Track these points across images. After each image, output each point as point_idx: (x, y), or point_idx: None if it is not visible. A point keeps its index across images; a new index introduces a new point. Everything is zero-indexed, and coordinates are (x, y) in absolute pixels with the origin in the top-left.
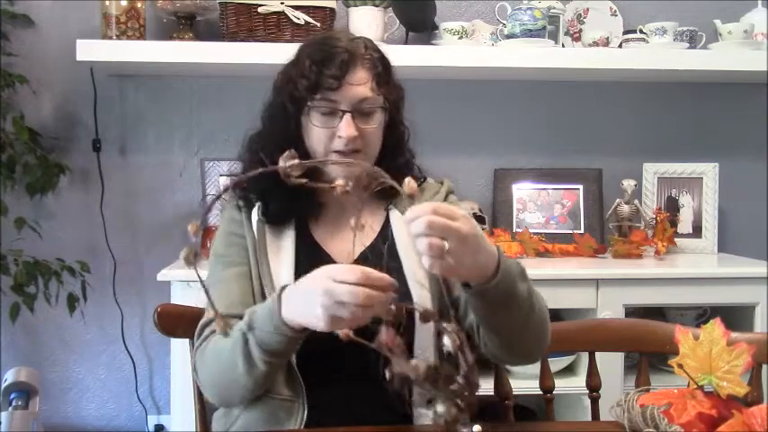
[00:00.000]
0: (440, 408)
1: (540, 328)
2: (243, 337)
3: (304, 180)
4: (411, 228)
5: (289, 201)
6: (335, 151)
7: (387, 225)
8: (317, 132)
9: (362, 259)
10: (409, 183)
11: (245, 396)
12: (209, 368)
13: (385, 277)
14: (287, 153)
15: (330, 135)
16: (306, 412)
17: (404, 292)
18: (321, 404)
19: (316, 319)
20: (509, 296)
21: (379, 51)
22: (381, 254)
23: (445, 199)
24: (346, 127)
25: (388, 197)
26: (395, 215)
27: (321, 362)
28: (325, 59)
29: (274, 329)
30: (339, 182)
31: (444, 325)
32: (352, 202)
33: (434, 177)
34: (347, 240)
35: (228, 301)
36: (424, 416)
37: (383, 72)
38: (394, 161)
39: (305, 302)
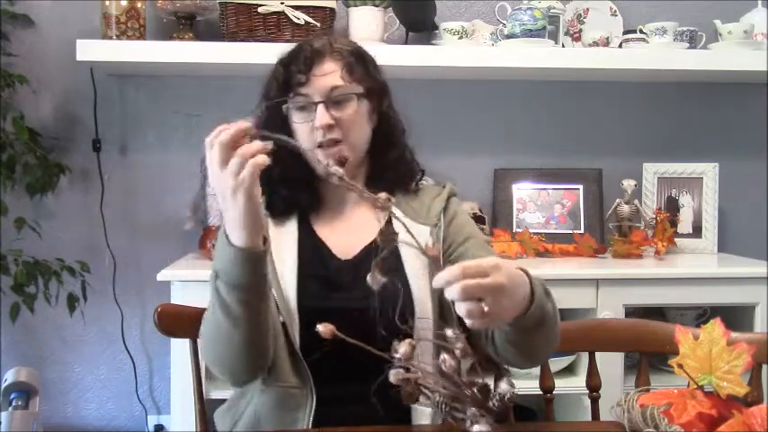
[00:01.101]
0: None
1: (555, 337)
2: (213, 283)
3: (341, 182)
4: (446, 293)
5: (291, 193)
6: (318, 145)
7: (386, 224)
8: (298, 129)
9: (364, 256)
10: (434, 246)
11: (242, 359)
12: (205, 342)
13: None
14: (335, 162)
15: (310, 129)
16: (314, 402)
17: (405, 291)
18: (329, 396)
19: (228, 206)
20: (540, 320)
21: (351, 45)
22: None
23: (447, 202)
24: (320, 116)
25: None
26: (398, 214)
27: (327, 357)
28: (292, 59)
29: (228, 256)
30: (382, 194)
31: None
32: (353, 197)
33: (435, 178)
34: (346, 234)
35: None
36: (421, 414)
37: (356, 62)
38: (385, 156)
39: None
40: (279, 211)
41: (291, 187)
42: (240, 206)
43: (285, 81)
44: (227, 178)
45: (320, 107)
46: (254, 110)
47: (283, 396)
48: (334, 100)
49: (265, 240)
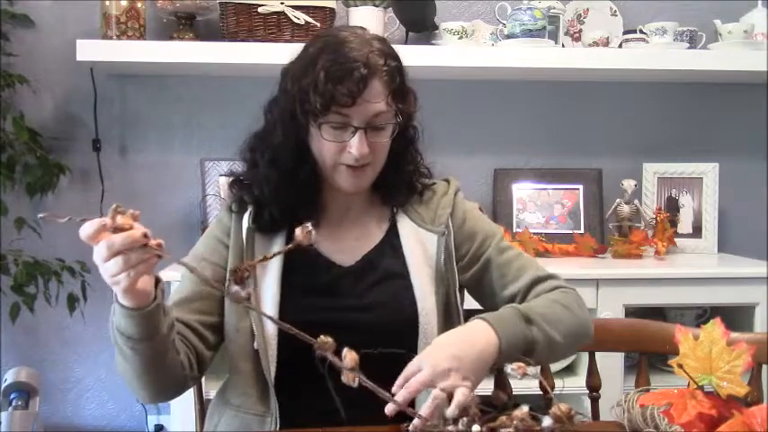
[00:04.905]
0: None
1: (572, 342)
2: (111, 323)
3: (245, 305)
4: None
5: (287, 208)
6: (344, 164)
7: (391, 230)
8: (326, 145)
9: (365, 263)
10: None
11: (135, 386)
12: None
13: (126, 233)
14: (233, 280)
15: (340, 149)
16: (278, 425)
17: (409, 297)
18: (295, 419)
19: (114, 287)
20: (528, 346)
21: (395, 58)
22: (383, 257)
23: (453, 203)
24: (359, 144)
25: (394, 203)
26: (403, 220)
27: (298, 378)
28: (343, 76)
29: (117, 308)
30: (297, 230)
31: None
32: (357, 206)
33: (436, 177)
34: (348, 242)
35: (179, 296)
36: None
37: (400, 83)
38: (401, 169)
39: None
40: (267, 227)
41: (289, 202)
42: (119, 291)
43: (331, 98)
44: (105, 275)
45: (359, 134)
46: (266, 108)
47: (247, 421)
48: (374, 126)
49: (156, 298)
